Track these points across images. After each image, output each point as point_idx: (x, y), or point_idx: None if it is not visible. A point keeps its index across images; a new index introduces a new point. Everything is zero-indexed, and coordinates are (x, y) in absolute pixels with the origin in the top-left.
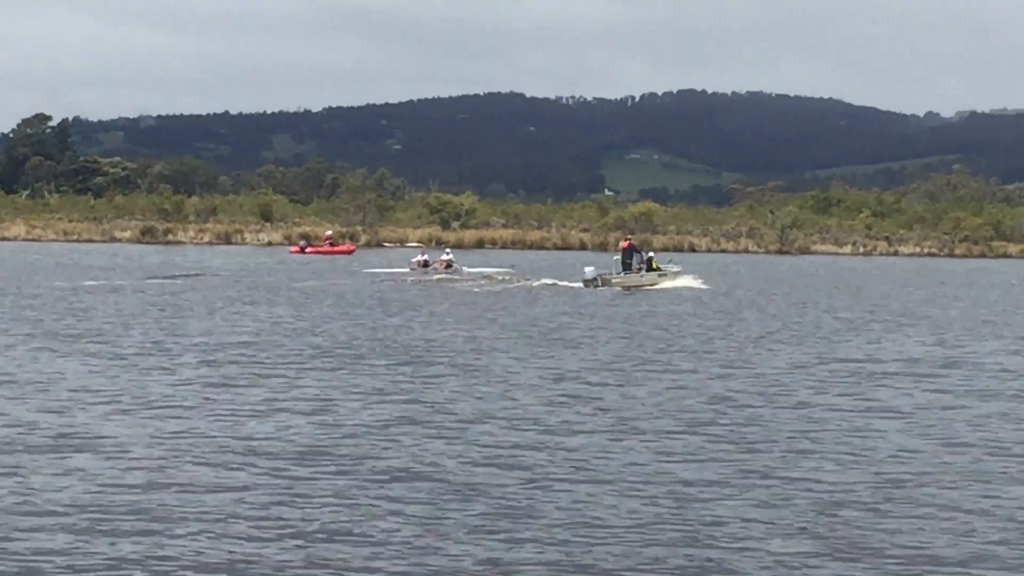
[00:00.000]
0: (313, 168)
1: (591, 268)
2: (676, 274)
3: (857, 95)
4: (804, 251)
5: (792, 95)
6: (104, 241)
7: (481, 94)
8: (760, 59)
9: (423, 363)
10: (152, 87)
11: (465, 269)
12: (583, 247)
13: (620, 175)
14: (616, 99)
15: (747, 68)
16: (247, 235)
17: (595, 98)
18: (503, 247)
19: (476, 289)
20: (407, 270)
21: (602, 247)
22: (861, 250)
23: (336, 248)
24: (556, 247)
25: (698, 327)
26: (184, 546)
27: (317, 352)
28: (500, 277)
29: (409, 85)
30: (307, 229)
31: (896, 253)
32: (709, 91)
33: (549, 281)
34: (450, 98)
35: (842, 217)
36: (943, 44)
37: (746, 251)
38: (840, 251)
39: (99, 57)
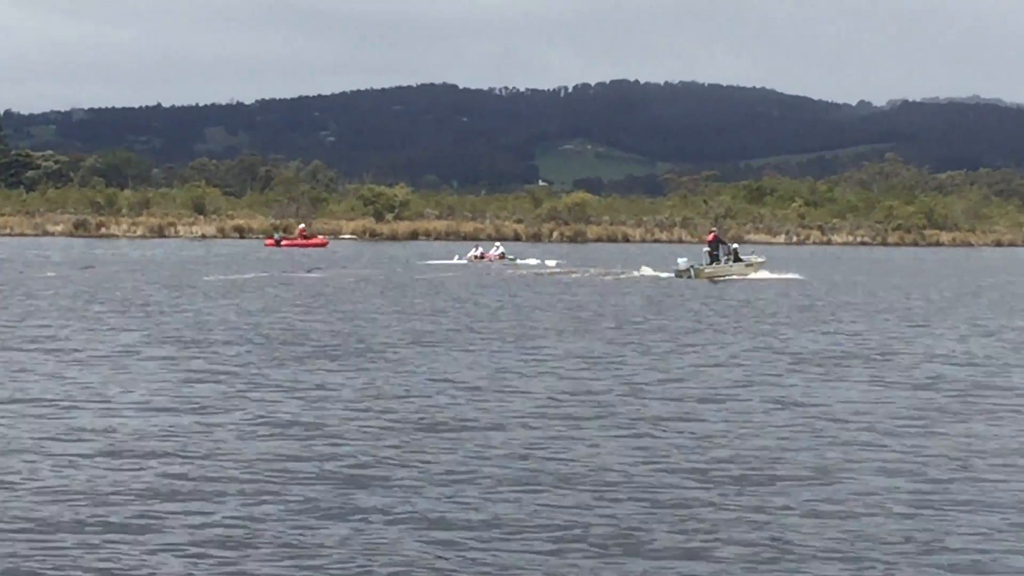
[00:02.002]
0: (246, 160)
1: (684, 259)
2: (760, 265)
3: (789, 84)
4: (738, 240)
5: (724, 84)
6: (36, 235)
7: (414, 85)
8: (692, 49)
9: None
10: (84, 80)
11: (518, 261)
12: (517, 238)
13: (554, 166)
14: (549, 90)
15: (679, 58)
16: (180, 228)
17: (528, 89)
18: (437, 239)
19: (601, 280)
20: (464, 262)
21: (536, 238)
22: (794, 239)
23: (310, 241)
24: (490, 238)
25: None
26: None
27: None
28: (553, 269)
29: (342, 77)
30: (241, 222)
31: (829, 242)
32: (642, 81)
33: (650, 272)
34: (383, 90)
35: (775, 206)
36: (875, 33)
37: (680, 241)
38: (773, 240)
39: (30, 50)
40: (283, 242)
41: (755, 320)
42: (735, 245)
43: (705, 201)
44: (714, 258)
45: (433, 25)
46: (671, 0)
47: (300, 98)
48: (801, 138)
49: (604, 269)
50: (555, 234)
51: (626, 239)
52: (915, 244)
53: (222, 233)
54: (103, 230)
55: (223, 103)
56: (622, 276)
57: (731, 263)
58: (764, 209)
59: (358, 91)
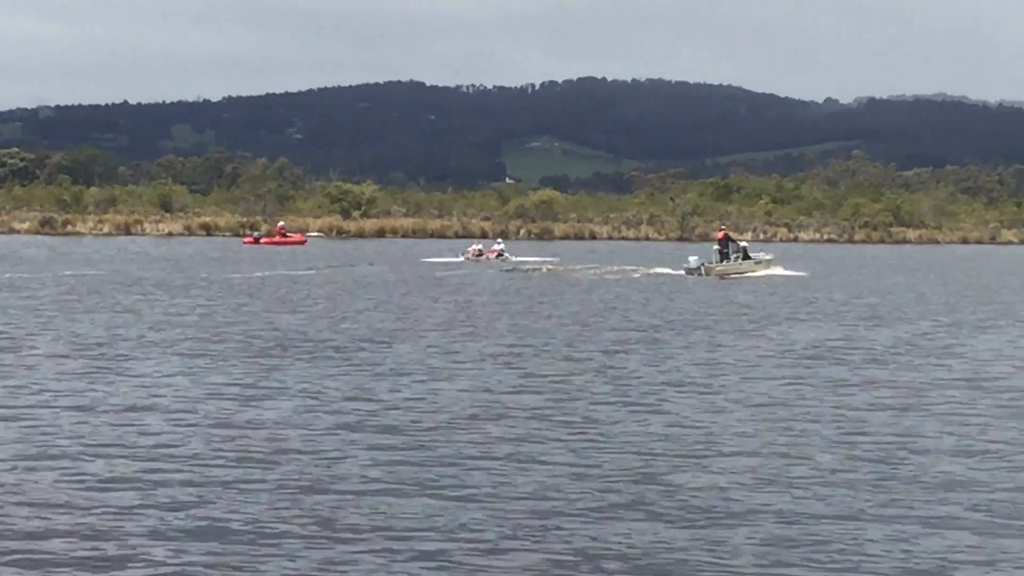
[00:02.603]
0: (213, 158)
1: (695, 257)
2: (768, 263)
3: (756, 82)
4: (705, 238)
5: (692, 82)
6: (2, 232)
7: (381, 83)
8: (659, 46)
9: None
10: (50, 78)
11: (512, 258)
12: (484, 235)
13: (521, 163)
14: (516, 87)
15: (646, 55)
16: (147, 226)
17: (495, 86)
18: (404, 236)
19: (609, 278)
20: (461, 259)
21: (503, 235)
22: (760, 236)
23: (289, 239)
24: (457, 235)
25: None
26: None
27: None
28: (547, 267)
29: (309, 74)
30: (208, 219)
31: (796, 239)
32: (609, 79)
33: (663, 270)
34: (350, 87)
35: (742, 204)
36: (842, 30)
37: (647, 238)
38: (740, 238)
39: None
40: (262, 240)
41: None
42: (744, 243)
43: (672, 199)
44: (724, 256)
45: (400, 22)
46: None
47: (267, 95)
48: (768, 135)
49: (614, 267)
50: (522, 231)
51: (593, 236)
52: (881, 241)
53: (188, 231)
54: (69, 228)
55: (190, 100)
56: (635, 275)
57: (740, 261)
58: (731, 206)
59: (325, 88)
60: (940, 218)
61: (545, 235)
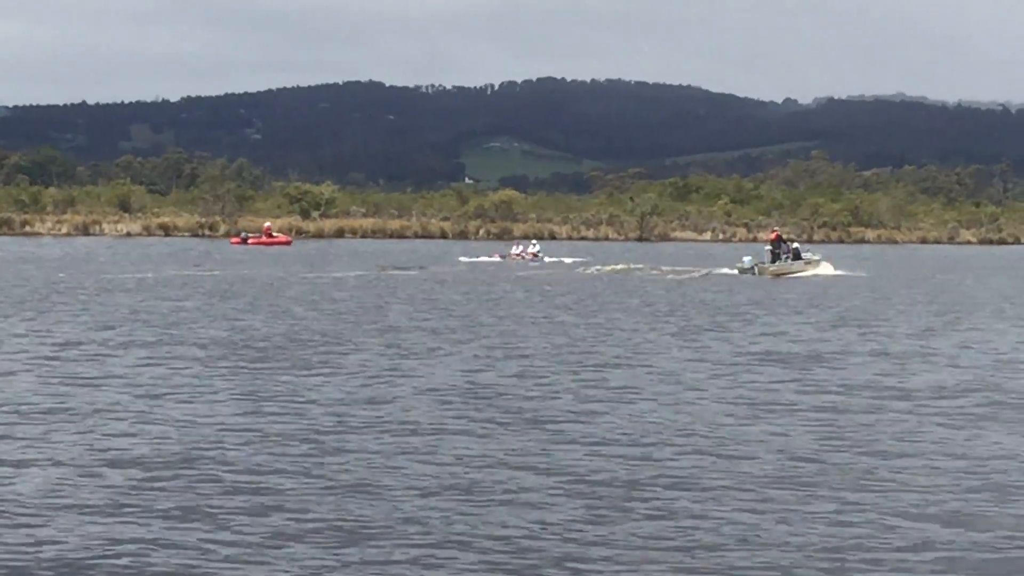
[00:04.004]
0: (171, 158)
1: (748, 257)
2: (817, 262)
3: (715, 82)
4: (664, 238)
5: (651, 82)
6: None
7: (340, 83)
8: (618, 46)
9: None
10: (7, 77)
11: (547, 259)
12: (443, 236)
13: (480, 163)
14: (475, 87)
15: (605, 55)
16: (106, 226)
17: (454, 86)
18: (363, 236)
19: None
20: (499, 259)
21: (463, 235)
22: (720, 236)
23: (275, 240)
24: (417, 236)
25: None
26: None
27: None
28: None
29: (268, 74)
30: (166, 220)
31: (755, 239)
32: (568, 79)
33: (723, 270)
34: (309, 87)
35: (701, 204)
36: (800, 30)
37: (606, 239)
38: (699, 238)
39: None
40: (249, 240)
41: None
42: (795, 244)
43: (631, 199)
44: (776, 256)
45: (360, 22)
46: None
47: (226, 95)
48: (727, 136)
49: (672, 268)
50: (481, 232)
51: (553, 237)
52: (840, 241)
53: (147, 231)
54: (28, 228)
55: (148, 100)
56: (695, 275)
57: (791, 261)
58: (690, 207)
59: (284, 89)
60: (899, 218)
61: (504, 235)
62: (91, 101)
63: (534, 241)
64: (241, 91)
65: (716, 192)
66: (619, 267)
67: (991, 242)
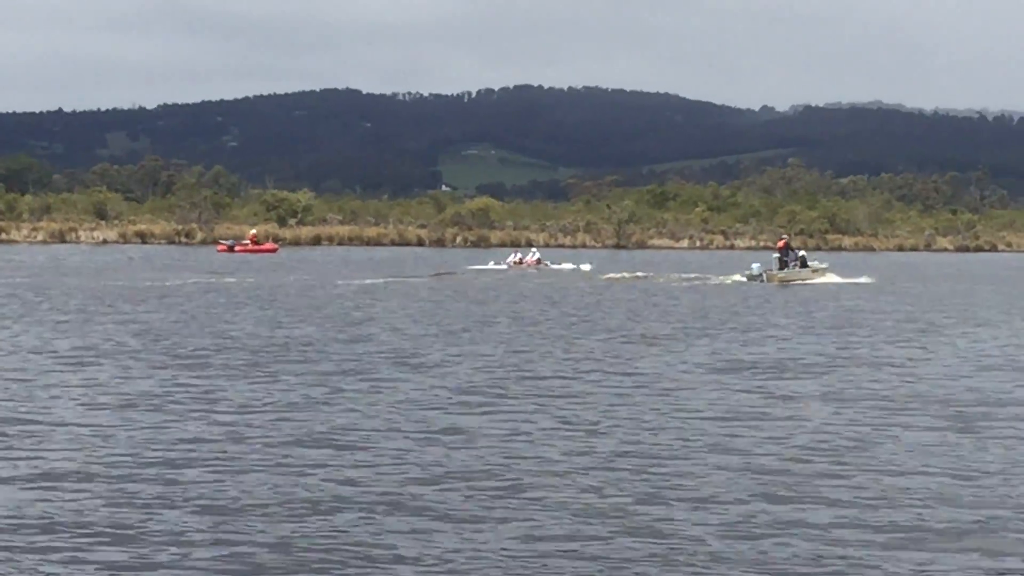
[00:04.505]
0: (148, 166)
1: (757, 264)
2: (824, 270)
3: (692, 89)
4: (641, 245)
5: (628, 90)
6: None
7: (317, 90)
8: (595, 54)
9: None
10: None
11: (552, 266)
12: (420, 243)
13: (457, 171)
14: (452, 95)
15: (582, 63)
16: (82, 233)
17: (431, 94)
18: (340, 244)
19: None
20: (505, 267)
21: (440, 243)
22: (697, 244)
23: (261, 247)
24: (394, 243)
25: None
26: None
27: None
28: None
29: (245, 82)
30: (143, 227)
31: (732, 247)
32: (545, 86)
33: (739, 277)
34: (286, 95)
35: (678, 211)
36: (777, 38)
37: (583, 246)
38: (677, 245)
39: None
40: (236, 248)
41: None
42: (802, 252)
43: (608, 206)
44: (784, 264)
45: (336, 30)
46: (574, 5)
47: (202, 103)
48: (704, 143)
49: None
50: (458, 239)
51: (530, 244)
52: (817, 248)
53: (124, 239)
54: (3, 235)
55: (125, 108)
56: (709, 281)
57: (799, 269)
58: (668, 214)
59: (261, 96)
60: (876, 225)
61: (482, 243)
62: (67, 108)
63: (533, 249)
64: (218, 98)
65: (693, 199)
66: (626, 275)
67: (968, 249)
